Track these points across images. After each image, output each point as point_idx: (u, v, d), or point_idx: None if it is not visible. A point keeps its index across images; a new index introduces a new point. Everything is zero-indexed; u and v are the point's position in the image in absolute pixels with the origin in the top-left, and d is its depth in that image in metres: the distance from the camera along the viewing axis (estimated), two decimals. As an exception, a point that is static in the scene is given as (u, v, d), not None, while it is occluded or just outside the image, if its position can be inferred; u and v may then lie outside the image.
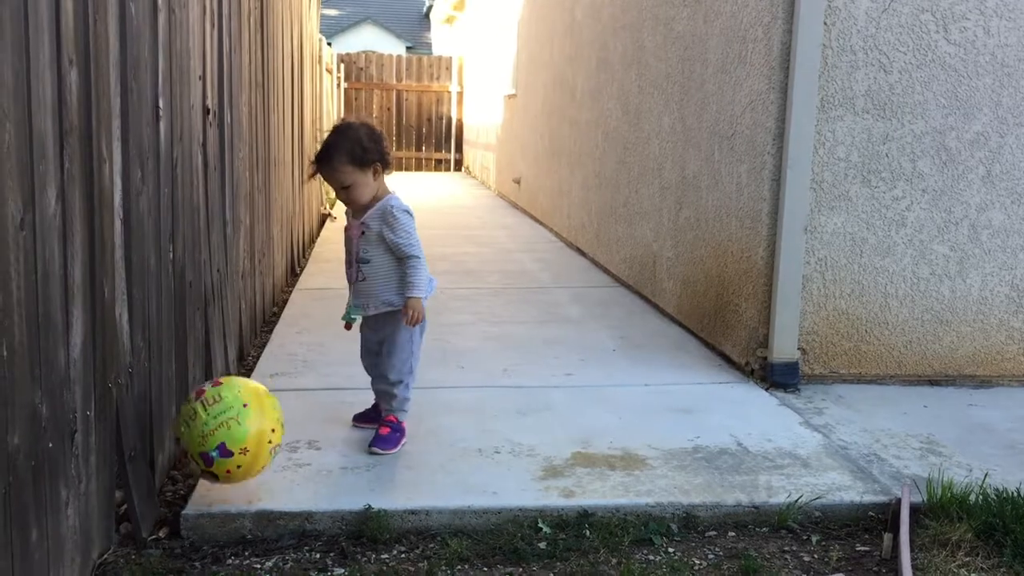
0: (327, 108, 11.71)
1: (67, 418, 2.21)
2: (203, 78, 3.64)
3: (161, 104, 3.00)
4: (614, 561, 2.61)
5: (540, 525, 2.77)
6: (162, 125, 3.01)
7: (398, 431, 3.24)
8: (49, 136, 2.07)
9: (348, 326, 3.36)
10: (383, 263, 3.21)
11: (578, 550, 2.66)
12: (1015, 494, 2.87)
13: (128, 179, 2.65)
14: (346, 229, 3.31)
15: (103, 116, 2.44)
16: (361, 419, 3.44)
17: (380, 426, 3.26)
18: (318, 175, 3.24)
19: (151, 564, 2.50)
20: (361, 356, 3.44)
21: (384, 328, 3.28)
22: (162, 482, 3.03)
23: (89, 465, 2.37)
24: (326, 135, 3.20)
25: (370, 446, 3.19)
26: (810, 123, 4.01)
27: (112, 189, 2.53)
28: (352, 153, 3.12)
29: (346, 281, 3.37)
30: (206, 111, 3.69)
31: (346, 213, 3.34)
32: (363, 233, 3.21)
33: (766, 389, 4.08)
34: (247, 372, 4.26)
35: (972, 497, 2.87)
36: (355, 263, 3.26)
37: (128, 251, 2.66)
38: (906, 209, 4.15)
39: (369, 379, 3.43)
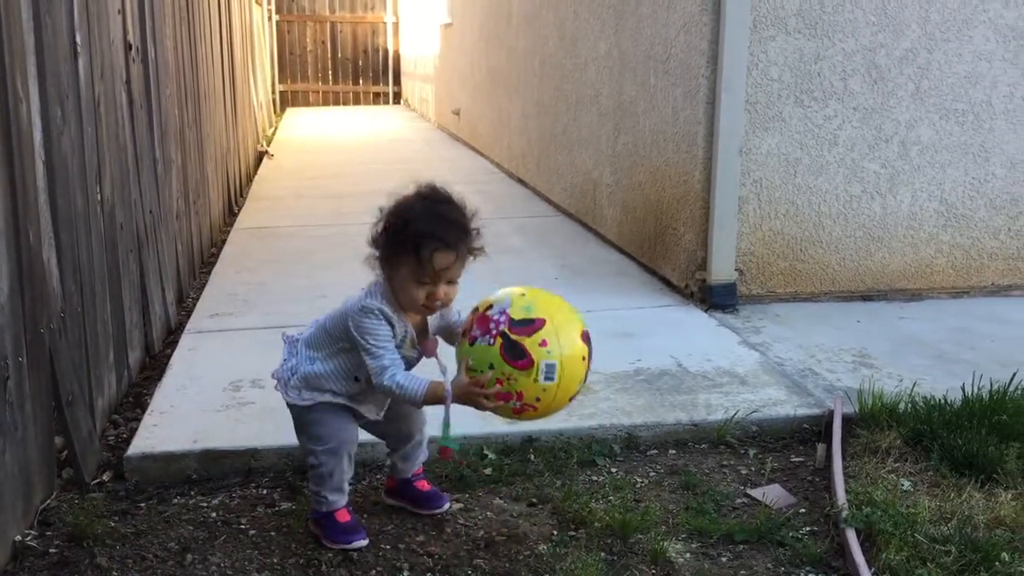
0: (259, 42, 11.41)
1: (-2, 365, 2.17)
2: (123, 12, 3.52)
3: (79, 40, 2.90)
4: (558, 483, 2.67)
5: (485, 452, 2.81)
6: (81, 62, 2.91)
7: None
8: (-42, 75, 2.00)
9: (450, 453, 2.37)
10: None
11: (523, 474, 2.71)
12: (942, 401, 2.97)
13: (48, 119, 2.57)
14: (420, 346, 2.32)
15: (16, 53, 2.35)
16: (394, 495, 2.59)
17: (416, 480, 2.55)
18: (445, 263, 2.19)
19: (95, 507, 2.50)
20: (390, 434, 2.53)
21: None
22: (103, 426, 3.01)
23: (25, 412, 2.34)
24: (445, 207, 2.26)
25: (434, 508, 2.53)
26: (743, 44, 4.02)
27: (31, 129, 2.45)
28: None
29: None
30: (128, 46, 3.58)
31: (404, 333, 2.27)
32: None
33: (705, 311, 4.15)
34: (186, 314, 4.22)
35: (901, 406, 2.97)
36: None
37: (52, 193, 2.60)
38: (838, 128, 4.20)
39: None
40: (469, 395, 2.17)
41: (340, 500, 2.37)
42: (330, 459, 2.32)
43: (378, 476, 2.70)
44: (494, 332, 2.13)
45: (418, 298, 2.21)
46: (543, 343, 2.12)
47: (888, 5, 4.11)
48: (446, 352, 2.33)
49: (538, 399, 2.15)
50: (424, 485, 2.55)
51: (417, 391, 2.18)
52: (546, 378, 2.13)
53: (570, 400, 2.23)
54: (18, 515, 2.31)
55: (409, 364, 2.29)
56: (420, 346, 2.31)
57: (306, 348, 2.35)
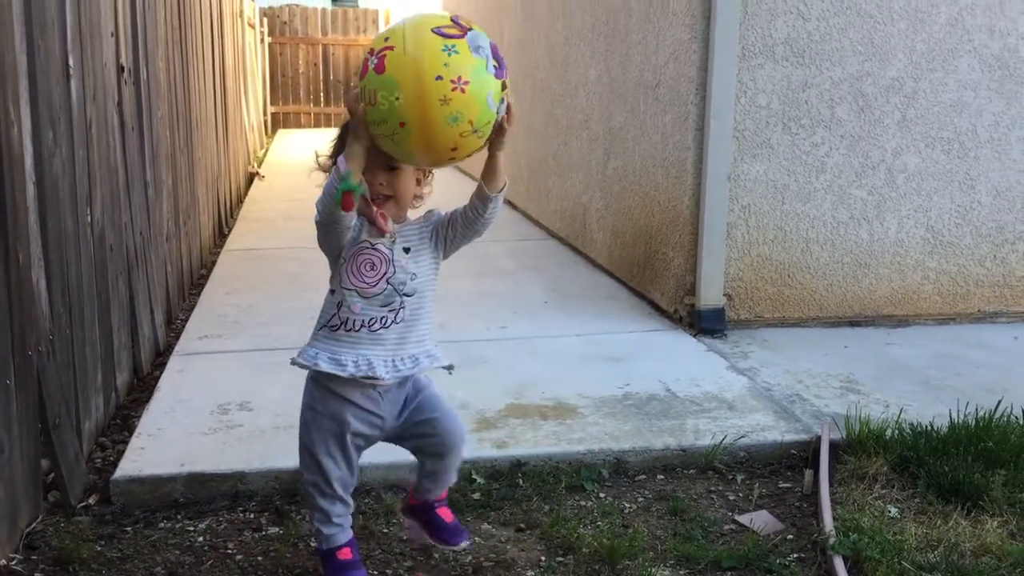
0: (251, 64, 11.45)
1: (-15, 388, 2.16)
2: (116, 35, 3.53)
3: (71, 62, 2.91)
4: (547, 508, 2.66)
5: (474, 476, 2.81)
6: (73, 84, 2.92)
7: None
8: (-49, 98, 2.01)
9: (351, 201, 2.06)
10: (430, 285, 2.23)
11: (511, 499, 2.71)
12: (928, 428, 2.99)
13: (39, 141, 2.58)
14: (361, 247, 2.22)
15: (8, 76, 2.36)
16: (412, 515, 2.45)
17: (439, 506, 2.38)
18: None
19: (81, 531, 2.48)
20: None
21: (415, 389, 2.27)
22: (90, 449, 2.99)
23: (12, 434, 2.33)
24: None
25: (450, 544, 2.37)
26: (732, 72, 4.06)
27: (22, 152, 2.45)
28: None
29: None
30: (120, 69, 3.59)
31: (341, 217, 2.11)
32: (406, 250, 2.20)
33: (694, 335, 4.17)
34: (175, 336, 4.21)
35: (888, 432, 2.98)
36: (397, 297, 2.18)
37: (43, 215, 2.60)
38: (825, 155, 4.23)
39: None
40: (351, 114, 2.01)
41: (336, 536, 2.23)
42: (314, 491, 2.21)
43: (366, 500, 2.70)
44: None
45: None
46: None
47: (875, 34, 4.16)
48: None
49: (387, 39, 1.94)
50: (447, 514, 2.38)
51: (333, 177, 2.04)
52: (384, 33, 1.98)
53: (440, 35, 1.93)
54: (3, 538, 2.30)
55: (383, 276, 2.19)
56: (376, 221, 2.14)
57: None
